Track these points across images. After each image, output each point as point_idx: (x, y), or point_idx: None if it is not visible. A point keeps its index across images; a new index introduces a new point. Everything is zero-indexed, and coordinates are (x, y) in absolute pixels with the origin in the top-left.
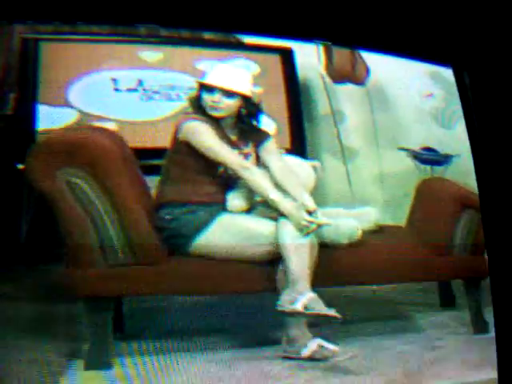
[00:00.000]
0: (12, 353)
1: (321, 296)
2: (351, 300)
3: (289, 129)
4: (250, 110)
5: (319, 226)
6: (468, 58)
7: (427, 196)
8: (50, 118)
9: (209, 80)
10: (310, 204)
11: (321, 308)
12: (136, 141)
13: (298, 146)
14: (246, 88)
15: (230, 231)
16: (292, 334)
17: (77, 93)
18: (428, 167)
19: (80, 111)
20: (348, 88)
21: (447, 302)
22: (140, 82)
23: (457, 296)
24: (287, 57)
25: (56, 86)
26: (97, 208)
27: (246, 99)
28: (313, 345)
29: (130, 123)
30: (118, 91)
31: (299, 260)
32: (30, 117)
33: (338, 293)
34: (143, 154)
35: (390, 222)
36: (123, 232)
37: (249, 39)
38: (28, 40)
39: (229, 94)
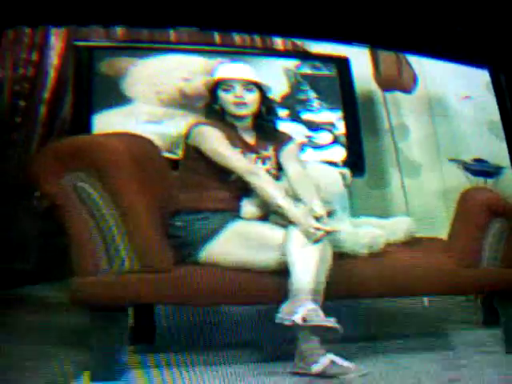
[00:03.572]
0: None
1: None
2: (382, 315)
3: (346, 141)
4: (268, 106)
5: (328, 232)
6: (506, 60)
7: (461, 206)
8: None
9: (228, 74)
10: (319, 210)
11: (320, 319)
12: None
13: (355, 158)
14: (262, 80)
15: (240, 239)
16: (304, 349)
17: None
18: (481, 179)
19: None
20: (409, 99)
21: (490, 319)
22: None
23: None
24: (343, 66)
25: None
26: (103, 213)
27: (263, 93)
28: (324, 360)
29: None
30: None
31: (304, 269)
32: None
33: (371, 307)
34: None
35: None
36: (129, 238)
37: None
38: (82, 48)
39: (249, 87)
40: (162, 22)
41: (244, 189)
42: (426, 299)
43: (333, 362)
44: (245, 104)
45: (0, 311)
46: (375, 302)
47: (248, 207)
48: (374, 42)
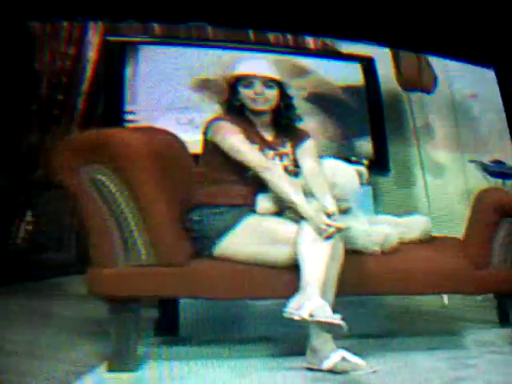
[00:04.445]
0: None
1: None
2: (397, 312)
3: (371, 139)
4: (287, 102)
5: (339, 229)
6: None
7: (475, 207)
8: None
9: (248, 70)
10: (330, 207)
11: (325, 315)
12: None
13: (381, 157)
14: (281, 77)
15: (253, 233)
16: (315, 344)
17: None
18: (499, 180)
19: None
20: (432, 100)
21: (506, 319)
22: None
23: None
24: (368, 65)
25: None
26: (120, 206)
27: (283, 89)
28: (335, 356)
29: None
30: None
31: (313, 264)
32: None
33: (386, 304)
34: None
35: None
36: (146, 232)
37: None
38: (115, 42)
39: (268, 84)
40: (197, 19)
41: (260, 184)
42: (445, 297)
43: (344, 358)
44: (265, 100)
45: (35, 300)
46: (390, 299)
47: (263, 202)
48: (390, 41)
